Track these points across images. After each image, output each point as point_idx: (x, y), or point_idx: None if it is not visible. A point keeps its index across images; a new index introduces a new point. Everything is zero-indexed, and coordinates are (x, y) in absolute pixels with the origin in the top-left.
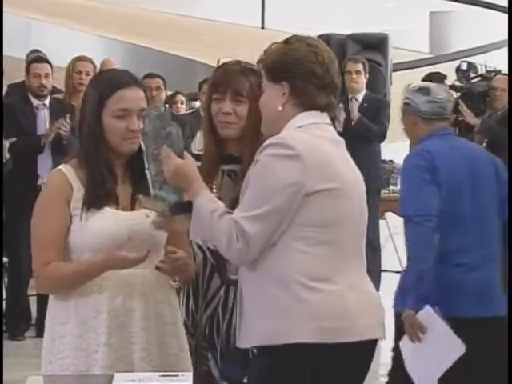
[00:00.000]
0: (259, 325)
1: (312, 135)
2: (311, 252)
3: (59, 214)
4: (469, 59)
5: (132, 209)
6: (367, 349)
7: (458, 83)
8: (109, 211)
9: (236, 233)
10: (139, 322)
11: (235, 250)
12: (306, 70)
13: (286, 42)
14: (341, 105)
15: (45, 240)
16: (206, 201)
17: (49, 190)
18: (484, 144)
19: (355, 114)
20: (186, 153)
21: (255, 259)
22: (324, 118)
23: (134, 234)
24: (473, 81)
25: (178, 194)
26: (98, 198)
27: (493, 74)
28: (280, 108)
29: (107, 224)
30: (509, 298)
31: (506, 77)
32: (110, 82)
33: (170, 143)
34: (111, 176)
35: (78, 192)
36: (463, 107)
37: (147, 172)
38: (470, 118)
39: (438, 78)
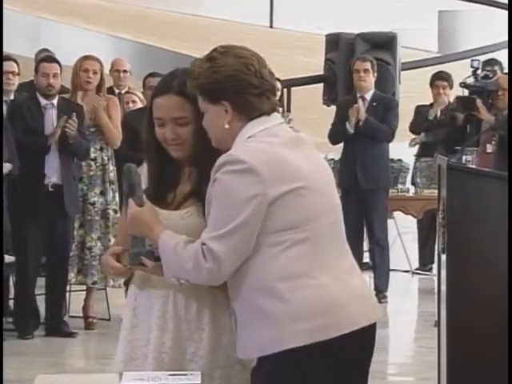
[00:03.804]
0: (254, 337)
1: (263, 143)
2: (289, 254)
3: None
4: (477, 58)
5: (177, 208)
6: (362, 335)
7: (468, 81)
8: None
9: (203, 253)
10: (156, 322)
11: (204, 270)
12: (244, 84)
13: (210, 59)
14: (356, 105)
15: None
16: (168, 239)
17: None
18: (493, 141)
19: (363, 114)
20: (145, 199)
21: (238, 275)
22: (273, 120)
23: None
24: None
25: (144, 244)
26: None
27: (490, 72)
28: (227, 126)
29: None
30: (509, 299)
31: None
32: (155, 88)
33: (132, 194)
34: (174, 175)
35: None
36: (479, 103)
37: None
38: (485, 114)
39: (442, 77)
